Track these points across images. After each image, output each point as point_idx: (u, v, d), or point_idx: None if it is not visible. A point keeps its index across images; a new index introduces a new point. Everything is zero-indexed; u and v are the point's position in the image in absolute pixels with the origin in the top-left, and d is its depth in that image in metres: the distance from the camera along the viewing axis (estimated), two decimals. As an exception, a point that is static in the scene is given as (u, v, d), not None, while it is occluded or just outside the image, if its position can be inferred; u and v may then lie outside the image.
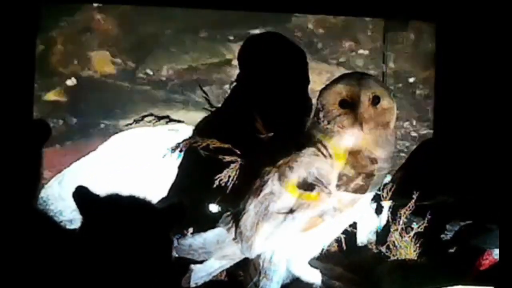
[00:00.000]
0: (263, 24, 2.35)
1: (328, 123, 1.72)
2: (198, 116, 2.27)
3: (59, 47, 2.29)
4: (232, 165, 1.94)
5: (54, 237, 1.47)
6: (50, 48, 2.32)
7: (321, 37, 2.41)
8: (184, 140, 2.05)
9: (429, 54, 2.44)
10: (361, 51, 2.43)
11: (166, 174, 2.22)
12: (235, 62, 2.31)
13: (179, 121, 2.14)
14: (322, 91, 1.76)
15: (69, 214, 2.04)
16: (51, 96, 2.34)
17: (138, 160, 2.28)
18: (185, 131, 2.22)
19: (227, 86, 2.33)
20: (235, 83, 2.29)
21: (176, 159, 2.13)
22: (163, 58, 2.34)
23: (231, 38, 2.34)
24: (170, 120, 2.11)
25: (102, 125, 2.33)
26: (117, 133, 2.32)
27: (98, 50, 2.32)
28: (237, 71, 2.27)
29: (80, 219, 1.38)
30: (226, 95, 2.32)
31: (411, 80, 2.45)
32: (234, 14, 2.35)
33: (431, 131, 2.47)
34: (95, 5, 2.29)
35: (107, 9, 2.31)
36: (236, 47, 2.32)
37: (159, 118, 2.10)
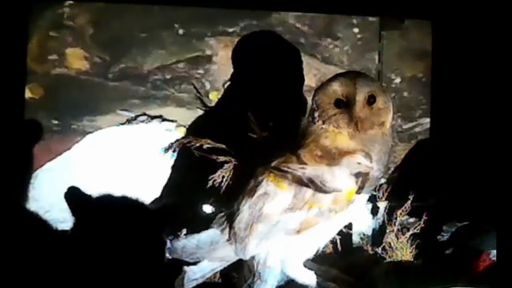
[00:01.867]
0: (243, 19, 2.31)
1: (323, 123, 1.70)
2: (178, 111, 2.24)
3: (33, 45, 2.24)
4: (226, 166, 1.94)
5: (46, 239, 1.46)
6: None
7: (303, 32, 2.37)
8: (177, 140, 2.05)
9: (424, 52, 2.43)
10: (346, 48, 2.40)
11: (156, 173, 2.20)
12: (214, 59, 2.29)
13: (172, 121, 2.14)
14: (317, 91, 1.75)
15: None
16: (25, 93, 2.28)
17: (116, 160, 2.22)
18: (164, 127, 2.20)
19: (206, 82, 2.30)
20: (229, 83, 2.28)
21: (169, 159, 2.13)
22: (140, 54, 2.30)
23: (209, 33, 2.30)
24: (164, 119, 2.11)
25: (77, 124, 2.26)
26: (92, 132, 2.26)
27: (72, 47, 2.27)
28: (216, 67, 2.26)
29: (72, 220, 1.37)
30: (206, 90, 2.30)
31: (407, 78, 2.44)
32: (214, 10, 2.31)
33: (425, 128, 2.45)
34: (69, 2, 2.24)
35: (81, 5, 2.26)
36: (215, 43, 2.29)
37: (152, 117, 2.10)
